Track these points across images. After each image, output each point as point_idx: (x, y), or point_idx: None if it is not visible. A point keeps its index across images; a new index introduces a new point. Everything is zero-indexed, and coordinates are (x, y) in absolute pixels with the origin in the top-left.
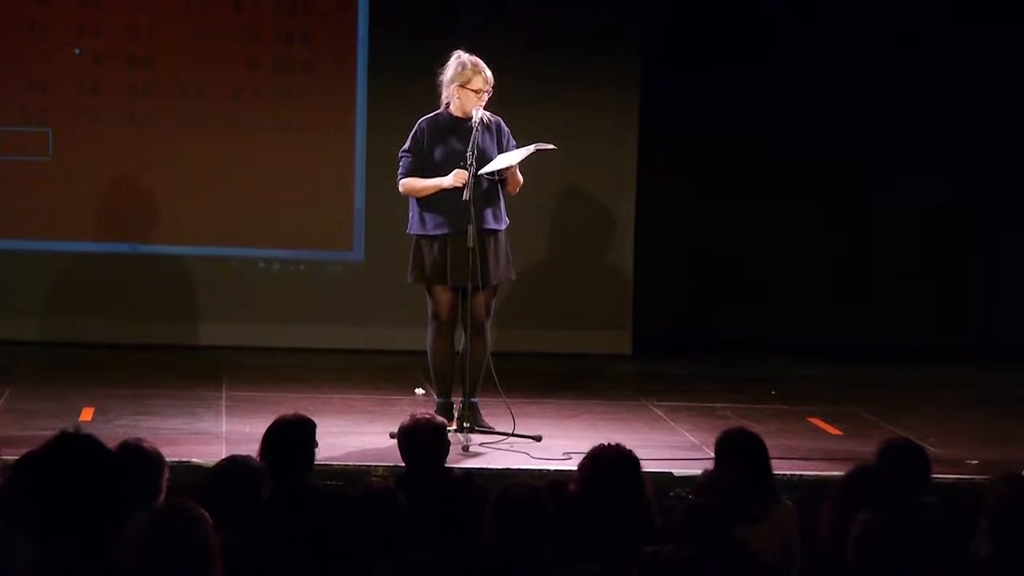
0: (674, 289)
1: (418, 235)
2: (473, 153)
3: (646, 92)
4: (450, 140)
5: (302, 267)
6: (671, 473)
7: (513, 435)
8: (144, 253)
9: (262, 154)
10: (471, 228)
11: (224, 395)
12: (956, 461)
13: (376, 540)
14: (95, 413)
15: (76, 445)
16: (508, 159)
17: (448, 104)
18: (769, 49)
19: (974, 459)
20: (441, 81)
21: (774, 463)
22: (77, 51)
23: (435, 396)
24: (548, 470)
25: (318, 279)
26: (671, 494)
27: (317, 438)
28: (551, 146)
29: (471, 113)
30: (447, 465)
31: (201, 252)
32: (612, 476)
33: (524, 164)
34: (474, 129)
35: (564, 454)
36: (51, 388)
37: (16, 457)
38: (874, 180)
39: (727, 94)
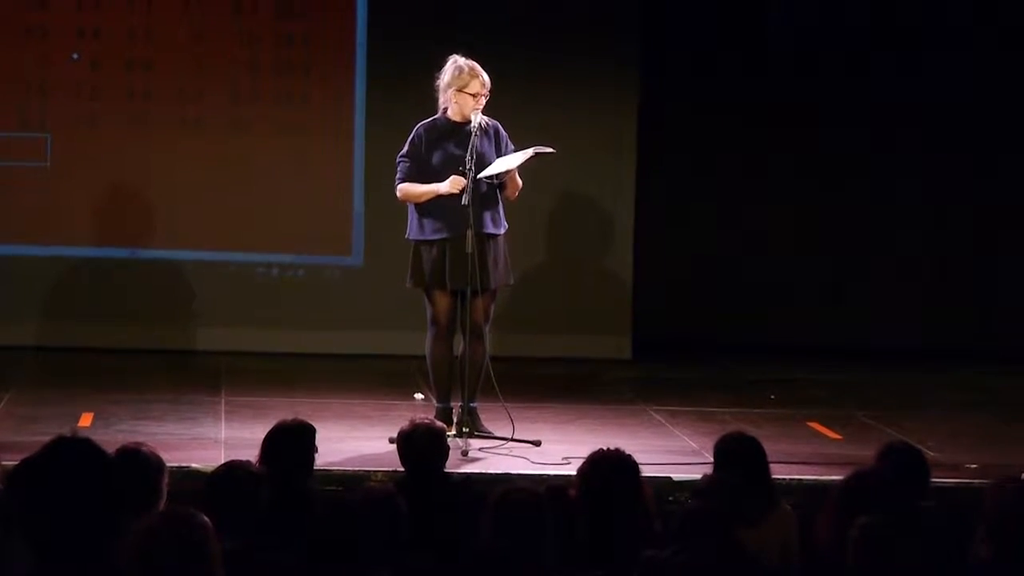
0: (673, 292)
1: (417, 240)
2: (471, 158)
3: (645, 93)
4: (448, 145)
5: (301, 272)
6: (670, 478)
7: (512, 440)
8: (143, 258)
9: (261, 158)
10: (470, 233)
11: (223, 400)
12: (955, 465)
13: (376, 544)
14: (94, 418)
15: (73, 449)
16: (507, 163)
17: (446, 109)
18: (769, 49)
19: (973, 463)
20: (438, 86)
21: (773, 467)
22: (75, 56)
23: (434, 401)
24: (547, 475)
25: (317, 284)
26: (670, 498)
27: (316, 443)
28: (550, 149)
29: (469, 117)
30: (446, 470)
31: (200, 257)
32: (611, 481)
33: (523, 168)
34: (472, 134)
35: (563, 459)
36: (50, 393)
37: (15, 463)
38: (874, 180)
39: (727, 94)
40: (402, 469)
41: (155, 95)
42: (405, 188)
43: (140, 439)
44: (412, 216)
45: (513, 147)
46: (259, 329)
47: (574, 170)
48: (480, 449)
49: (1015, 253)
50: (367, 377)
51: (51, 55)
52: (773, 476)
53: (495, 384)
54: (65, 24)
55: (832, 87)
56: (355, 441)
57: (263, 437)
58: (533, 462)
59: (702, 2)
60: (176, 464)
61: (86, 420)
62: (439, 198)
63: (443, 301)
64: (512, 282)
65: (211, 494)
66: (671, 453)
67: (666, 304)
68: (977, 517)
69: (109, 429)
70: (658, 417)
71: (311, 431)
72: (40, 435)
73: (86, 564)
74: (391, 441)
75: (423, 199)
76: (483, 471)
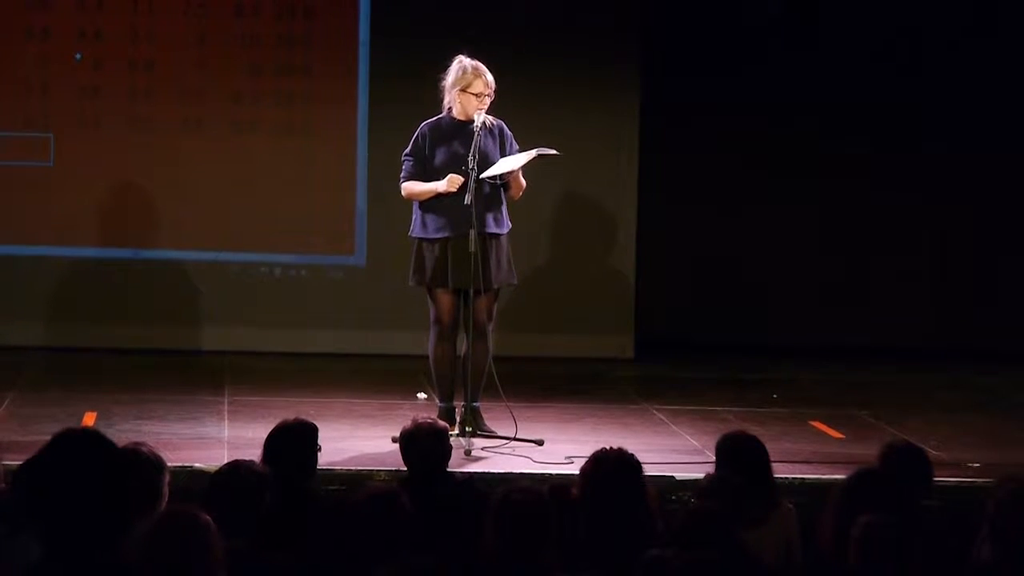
0: (676, 292)
1: (419, 238)
2: (475, 157)
3: (646, 94)
4: (452, 144)
5: (303, 272)
6: (673, 477)
7: (515, 439)
8: (146, 258)
9: (263, 159)
10: (472, 232)
11: (226, 400)
12: (958, 464)
13: (379, 543)
14: (97, 418)
15: (79, 440)
16: (510, 163)
17: (450, 108)
18: (769, 49)
19: (976, 462)
20: (443, 86)
21: (775, 466)
22: (77, 57)
23: (437, 400)
24: (550, 474)
25: (319, 284)
26: (673, 498)
27: (319, 443)
28: (554, 151)
29: (473, 117)
30: (449, 469)
31: (203, 257)
32: (614, 480)
33: (525, 168)
34: (476, 133)
35: (566, 458)
36: (53, 393)
37: (19, 462)
38: (874, 180)
39: (727, 94)
40: (405, 469)
41: (157, 96)
42: (408, 186)
43: (143, 439)
44: (416, 214)
45: (518, 147)
46: (262, 329)
47: (576, 170)
48: (483, 448)
49: (1015, 253)
50: (370, 377)
51: (54, 55)
52: (775, 475)
53: (498, 383)
54: (67, 24)
55: (833, 87)
56: (358, 441)
57: (266, 437)
58: (536, 462)
59: (703, 2)
60: (179, 464)
61: (89, 420)
62: (443, 197)
63: (446, 300)
64: (516, 282)
65: (214, 494)
66: (673, 452)
67: (668, 304)
68: (979, 516)
69: (112, 428)
70: (660, 416)
71: (314, 431)
72: (43, 435)
73: (94, 554)
74: (394, 441)
75: (424, 197)
76: (486, 471)
